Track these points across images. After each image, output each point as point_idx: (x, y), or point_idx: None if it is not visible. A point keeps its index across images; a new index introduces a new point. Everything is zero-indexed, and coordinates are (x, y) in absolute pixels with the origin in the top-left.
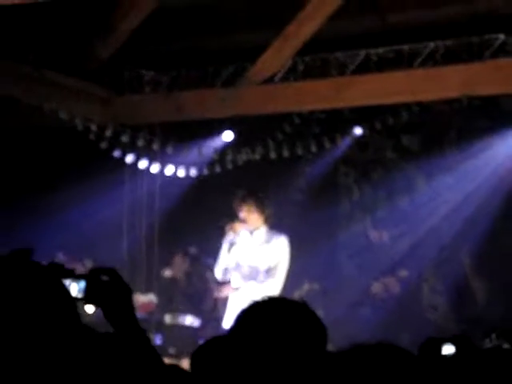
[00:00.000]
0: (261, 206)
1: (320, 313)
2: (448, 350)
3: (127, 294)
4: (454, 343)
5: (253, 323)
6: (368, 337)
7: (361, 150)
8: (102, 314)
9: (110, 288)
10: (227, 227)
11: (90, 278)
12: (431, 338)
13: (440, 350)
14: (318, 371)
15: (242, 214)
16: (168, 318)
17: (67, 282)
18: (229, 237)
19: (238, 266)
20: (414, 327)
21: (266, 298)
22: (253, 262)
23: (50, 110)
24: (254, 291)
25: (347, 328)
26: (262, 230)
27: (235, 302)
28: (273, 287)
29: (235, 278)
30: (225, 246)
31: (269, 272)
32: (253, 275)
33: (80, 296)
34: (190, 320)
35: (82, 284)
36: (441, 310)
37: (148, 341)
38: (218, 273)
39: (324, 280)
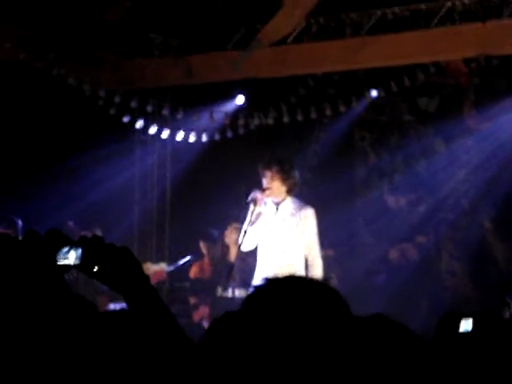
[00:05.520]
0: (284, 174)
1: (335, 280)
2: (466, 325)
3: (128, 260)
4: (473, 318)
5: (266, 303)
6: (384, 304)
7: (377, 114)
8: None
9: (108, 254)
10: (250, 197)
11: (87, 244)
12: (449, 313)
13: (458, 326)
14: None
15: (265, 182)
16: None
17: (65, 249)
18: (253, 207)
19: (265, 240)
20: (431, 294)
21: (284, 276)
22: (281, 235)
23: (57, 76)
24: (283, 265)
25: (363, 296)
26: (288, 202)
27: (263, 273)
28: (302, 260)
29: (262, 251)
30: (249, 217)
31: (297, 246)
32: (281, 249)
33: (77, 263)
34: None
35: (79, 251)
36: (459, 275)
37: (167, 311)
38: (244, 246)
39: (340, 246)
